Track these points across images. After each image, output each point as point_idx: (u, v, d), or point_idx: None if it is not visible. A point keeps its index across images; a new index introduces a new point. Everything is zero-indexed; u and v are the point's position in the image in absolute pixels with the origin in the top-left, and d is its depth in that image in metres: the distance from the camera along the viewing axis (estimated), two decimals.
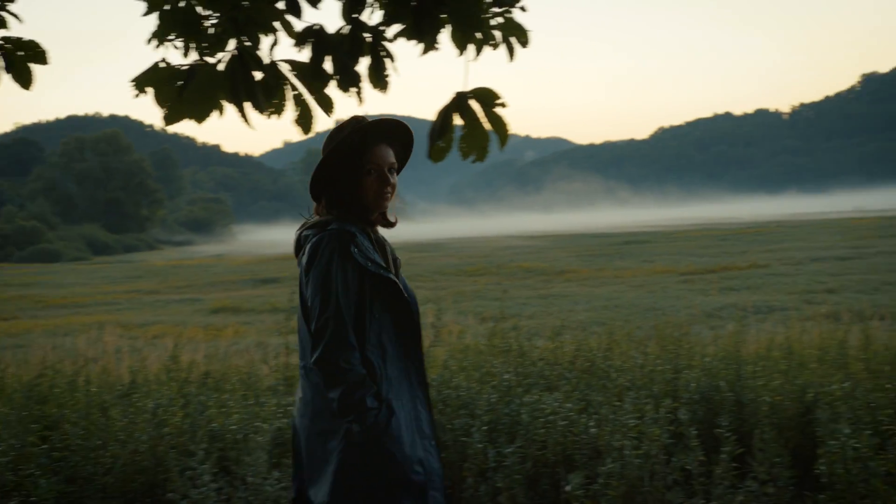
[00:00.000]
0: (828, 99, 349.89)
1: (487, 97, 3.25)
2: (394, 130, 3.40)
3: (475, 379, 6.47)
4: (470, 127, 3.24)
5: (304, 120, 3.05)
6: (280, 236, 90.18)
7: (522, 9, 3.35)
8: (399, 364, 3.32)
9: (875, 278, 25.64)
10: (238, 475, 5.27)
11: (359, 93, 3.12)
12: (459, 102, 3.22)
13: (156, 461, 5.49)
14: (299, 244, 3.43)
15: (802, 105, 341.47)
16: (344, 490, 3.15)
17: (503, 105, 3.22)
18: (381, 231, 3.55)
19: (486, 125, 3.29)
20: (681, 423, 5.51)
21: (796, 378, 6.51)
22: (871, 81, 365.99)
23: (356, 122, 3.40)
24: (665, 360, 7.17)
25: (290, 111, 3.05)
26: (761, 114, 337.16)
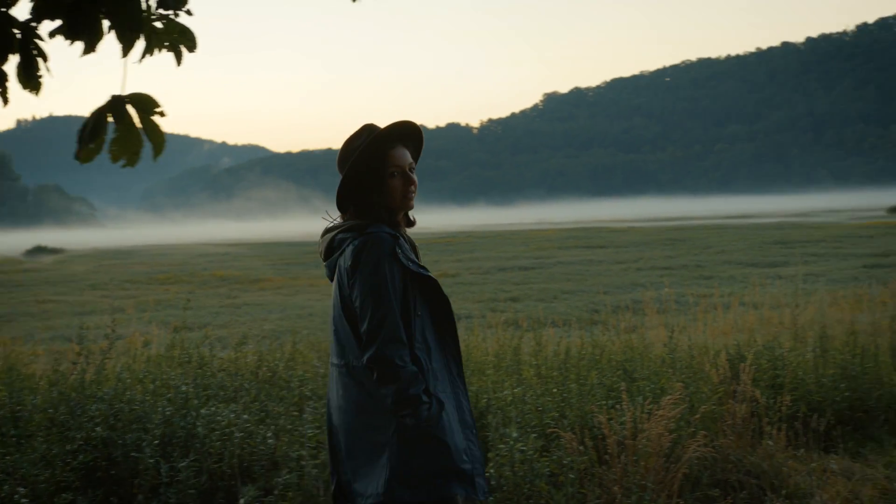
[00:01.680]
0: (514, 115, 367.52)
1: (145, 104, 3.11)
2: (407, 132, 3.57)
3: (150, 391, 6.25)
4: (123, 132, 3.10)
5: None
6: None
7: (188, 12, 3.25)
8: (440, 357, 3.46)
9: (554, 287, 27.10)
10: None
11: (3, 94, 2.90)
12: (115, 106, 3.07)
13: None
14: (331, 247, 3.53)
15: (491, 120, 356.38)
16: (399, 480, 3.26)
17: (161, 114, 3.11)
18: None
19: (142, 132, 3.15)
20: None
21: (472, 384, 6.73)
22: (552, 101, 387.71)
23: (371, 129, 3.56)
24: None
25: None
26: (453, 127, 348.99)
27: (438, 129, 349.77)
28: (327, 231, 3.60)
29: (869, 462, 6.55)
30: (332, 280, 3.57)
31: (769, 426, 6.38)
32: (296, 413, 5.97)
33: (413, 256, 3.51)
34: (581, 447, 5.60)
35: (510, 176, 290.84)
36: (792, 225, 62.34)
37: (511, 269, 35.22)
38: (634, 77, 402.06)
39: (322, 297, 27.52)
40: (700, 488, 5.74)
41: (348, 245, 3.41)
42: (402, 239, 3.46)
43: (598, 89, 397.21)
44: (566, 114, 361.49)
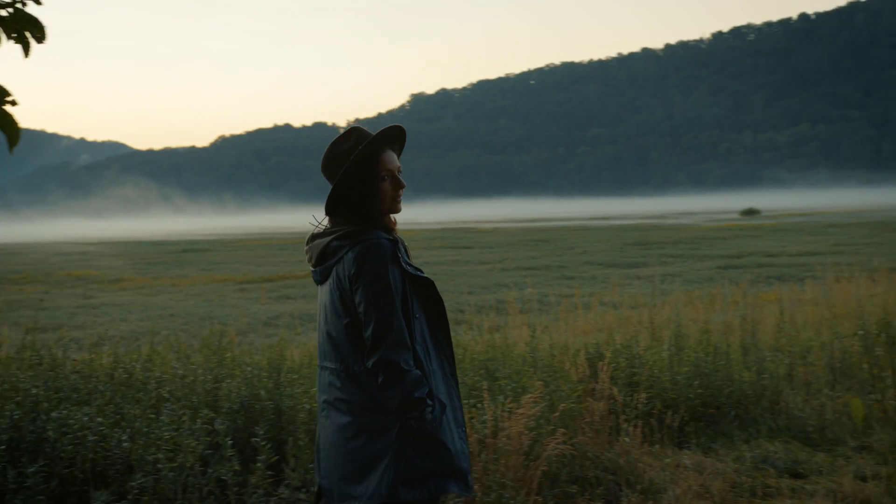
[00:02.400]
0: (380, 115, 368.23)
1: None
2: (396, 135, 3.61)
3: None
4: None
5: None
6: None
7: (37, 1, 3.14)
8: (436, 358, 3.52)
9: None
10: None
11: None
12: None
13: None
14: (325, 252, 3.52)
15: (357, 120, 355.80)
16: (403, 481, 3.32)
17: (13, 103, 3.00)
18: None
19: None
20: (218, 434, 5.46)
21: None
22: (419, 101, 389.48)
23: (358, 132, 3.59)
24: (207, 369, 7.10)
25: None
26: (319, 127, 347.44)
27: (304, 128, 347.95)
28: (317, 236, 3.60)
29: (719, 456, 6.76)
30: (319, 284, 3.60)
31: (626, 423, 6.53)
32: (152, 416, 5.82)
33: (409, 259, 3.57)
34: None
35: None
36: (651, 227, 64.10)
37: None
38: (500, 79, 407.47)
39: (185, 296, 27.03)
40: (559, 485, 5.83)
41: (346, 252, 3.43)
42: (399, 242, 3.50)
43: (464, 91, 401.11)
44: (432, 115, 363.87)
